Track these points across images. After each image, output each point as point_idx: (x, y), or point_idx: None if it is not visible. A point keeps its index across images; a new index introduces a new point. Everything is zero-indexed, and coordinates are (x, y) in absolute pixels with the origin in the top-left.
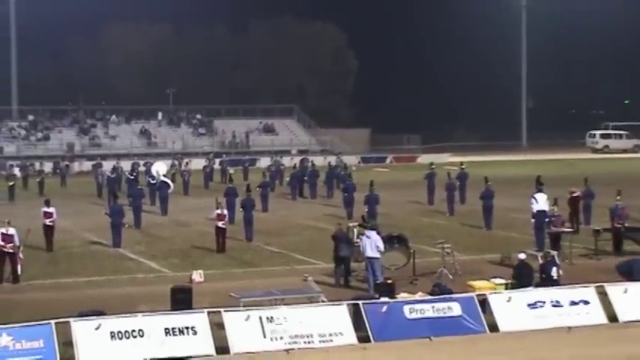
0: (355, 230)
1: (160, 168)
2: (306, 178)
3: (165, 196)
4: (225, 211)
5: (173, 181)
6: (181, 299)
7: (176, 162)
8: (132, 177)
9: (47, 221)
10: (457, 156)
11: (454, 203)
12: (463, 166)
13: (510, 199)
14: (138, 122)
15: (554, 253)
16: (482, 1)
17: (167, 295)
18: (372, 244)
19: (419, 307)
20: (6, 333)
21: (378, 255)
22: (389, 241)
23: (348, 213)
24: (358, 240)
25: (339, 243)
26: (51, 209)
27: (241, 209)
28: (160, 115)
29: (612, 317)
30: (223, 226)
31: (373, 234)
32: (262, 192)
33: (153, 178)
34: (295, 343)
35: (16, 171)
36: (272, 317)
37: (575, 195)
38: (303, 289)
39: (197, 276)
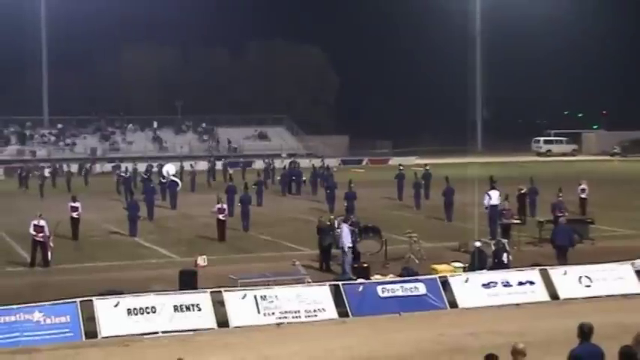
0: (336, 222)
1: (169, 169)
2: (294, 177)
3: (174, 192)
4: (225, 206)
5: (181, 180)
6: (188, 281)
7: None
8: (146, 176)
9: (73, 214)
10: (423, 159)
11: (420, 199)
12: (427, 168)
13: (467, 195)
14: (151, 130)
15: (504, 241)
16: (443, 27)
17: (176, 277)
18: (342, 235)
19: (390, 287)
20: (38, 310)
21: (345, 245)
22: (365, 231)
23: (330, 208)
24: (338, 230)
25: (323, 234)
26: (77, 204)
27: (239, 204)
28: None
29: (554, 295)
30: (224, 219)
31: (344, 226)
32: (257, 189)
33: (164, 177)
34: (285, 317)
35: (47, 172)
36: (265, 296)
37: (522, 192)
38: (292, 272)
39: (201, 261)
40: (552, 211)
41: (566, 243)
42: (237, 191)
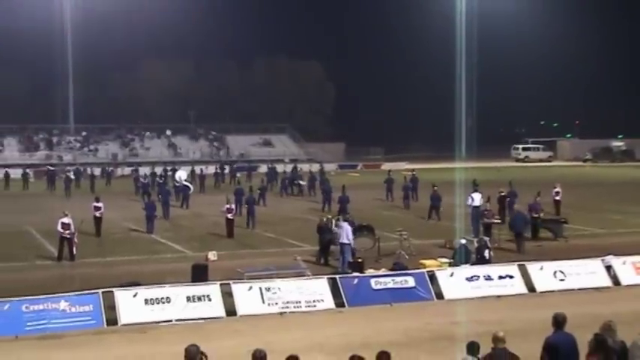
0: (333, 221)
1: (182, 174)
2: (294, 181)
3: (186, 194)
4: (233, 206)
5: (192, 182)
6: (199, 274)
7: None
8: (161, 180)
9: (97, 213)
10: (412, 164)
11: (409, 200)
12: (414, 172)
13: (452, 197)
14: (166, 137)
15: (486, 238)
16: (430, 45)
17: (188, 270)
18: (343, 233)
19: (382, 280)
20: (64, 300)
21: (347, 241)
22: (359, 229)
23: (326, 208)
24: (335, 229)
25: (323, 232)
26: (99, 204)
27: (246, 204)
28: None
29: (531, 288)
30: (232, 218)
31: (345, 225)
32: (262, 191)
33: (177, 181)
34: (287, 307)
35: (72, 175)
36: (269, 288)
37: (502, 194)
38: (293, 266)
39: (212, 256)
40: (529, 212)
41: (521, 229)
42: (244, 193)
